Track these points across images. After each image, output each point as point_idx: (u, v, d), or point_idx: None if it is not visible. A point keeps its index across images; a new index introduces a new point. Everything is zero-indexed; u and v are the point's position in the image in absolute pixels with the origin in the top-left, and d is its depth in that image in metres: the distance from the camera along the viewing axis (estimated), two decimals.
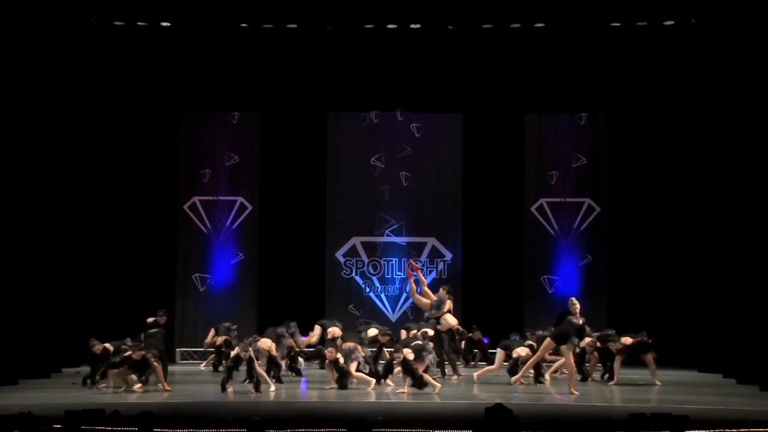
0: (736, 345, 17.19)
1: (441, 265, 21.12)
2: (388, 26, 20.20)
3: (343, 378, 15.04)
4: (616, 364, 16.26)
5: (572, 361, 15.00)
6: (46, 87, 17.85)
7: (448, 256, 21.19)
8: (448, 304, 16.63)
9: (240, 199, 21.27)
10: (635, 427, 10.16)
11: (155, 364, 14.86)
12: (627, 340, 16.13)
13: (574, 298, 15.32)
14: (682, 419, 10.08)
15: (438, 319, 16.52)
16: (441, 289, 16.98)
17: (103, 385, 15.19)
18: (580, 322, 15.03)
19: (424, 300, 16.86)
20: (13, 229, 16.89)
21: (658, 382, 16.04)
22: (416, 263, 17.83)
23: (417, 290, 17.04)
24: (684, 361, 18.96)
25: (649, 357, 16.15)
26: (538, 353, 15.56)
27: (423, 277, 17.30)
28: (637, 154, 20.73)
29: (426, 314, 17.08)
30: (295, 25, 20.16)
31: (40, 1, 17.28)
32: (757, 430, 10.57)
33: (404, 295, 20.76)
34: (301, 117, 21.20)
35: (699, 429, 10.37)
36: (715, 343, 18.20)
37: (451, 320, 16.53)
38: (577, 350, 16.01)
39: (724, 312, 17.87)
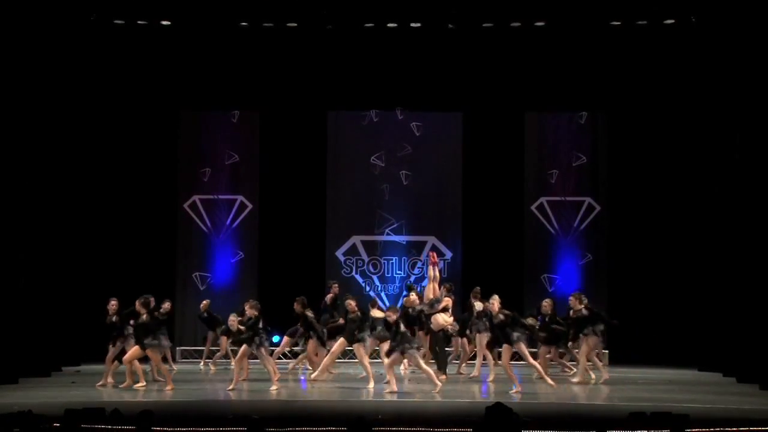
0: (736, 344, 17.20)
1: (441, 264, 21.04)
2: (388, 25, 20.19)
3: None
4: (582, 356, 16.09)
5: (530, 359, 15.20)
6: (47, 86, 17.85)
7: (449, 254, 21.19)
8: (444, 302, 16.63)
9: (240, 198, 21.26)
10: (636, 425, 10.17)
11: (156, 356, 15.02)
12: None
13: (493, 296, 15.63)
14: (683, 418, 10.08)
15: (429, 317, 16.52)
16: (442, 287, 16.99)
17: (100, 383, 15.23)
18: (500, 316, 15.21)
19: (431, 294, 16.91)
20: (14, 228, 16.89)
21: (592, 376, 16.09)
22: (436, 258, 17.84)
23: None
24: (684, 360, 18.97)
25: (587, 344, 15.91)
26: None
27: (437, 273, 17.31)
28: (638, 153, 20.73)
29: (418, 308, 17.09)
30: (295, 24, 20.15)
31: (40, 0, 17.26)
32: (758, 429, 10.58)
33: (404, 293, 20.66)
34: (301, 115, 21.19)
35: (699, 428, 10.36)
36: (715, 341, 18.21)
37: (441, 320, 16.50)
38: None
39: (724, 311, 17.87)
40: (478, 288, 17.26)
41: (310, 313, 16.76)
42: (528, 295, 20.76)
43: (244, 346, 15.05)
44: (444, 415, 12.22)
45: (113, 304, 16.05)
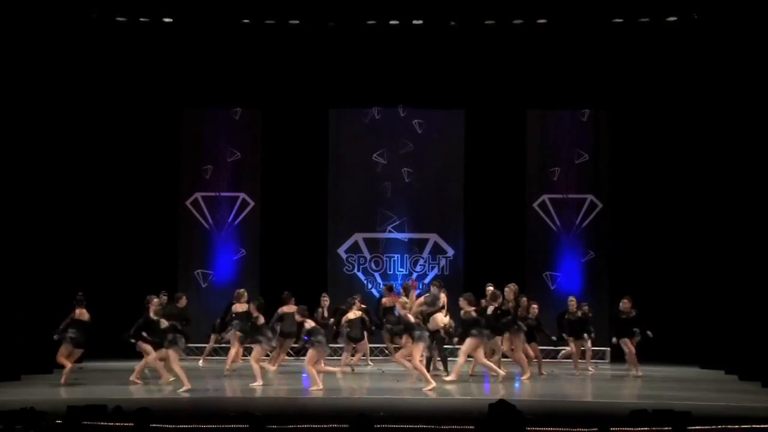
0: (738, 341, 17.21)
1: (443, 262, 21.11)
2: (390, 22, 20.18)
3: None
4: (462, 355, 16.18)
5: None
6: (49, 83, 17.87)
7: (450, 252, 21.18)
8: (443, 299, 16.65)
9: (242, 195, 21.25)
10: (638, 422, 10.18)
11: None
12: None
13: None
14: (684, 415, 10.10)
15: (428, 317, 16.51)
16: (432, 286, 17.00)
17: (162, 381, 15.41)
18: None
19: (415, 307, 16.86)
20: (15, 226, 16.91)
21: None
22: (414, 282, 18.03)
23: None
24: (686, 358, 18.95)
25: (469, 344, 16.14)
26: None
27: (413, 298, 17.30)
28: (639, 151, 20.70)
29: (416, 309, 17.06)
30: (297, 21, 20.15)
31: None
32: (759, 426, 10.57)
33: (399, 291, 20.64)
34: (303, 113, 21.17)
35: (701, 425, 10.36)
36: (717, 339, 18.21)
37: (440, 320, 16.51)
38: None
39: (726, 308, 17.88)
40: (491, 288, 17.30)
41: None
42: (530, 292, 20.69)
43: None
44: (446, 412, 12.23)
45: (156, 301, 16.08)
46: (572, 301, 17.97)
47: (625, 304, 17.36)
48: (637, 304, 17.58)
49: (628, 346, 17.12)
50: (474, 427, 9.28)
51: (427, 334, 15.51)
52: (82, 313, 15.67)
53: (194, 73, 20.60)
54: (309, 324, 15.26)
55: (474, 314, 15.91)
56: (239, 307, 17.41)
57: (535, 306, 17.42)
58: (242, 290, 17.95)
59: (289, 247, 20.90)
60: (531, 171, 21.24)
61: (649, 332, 17.22)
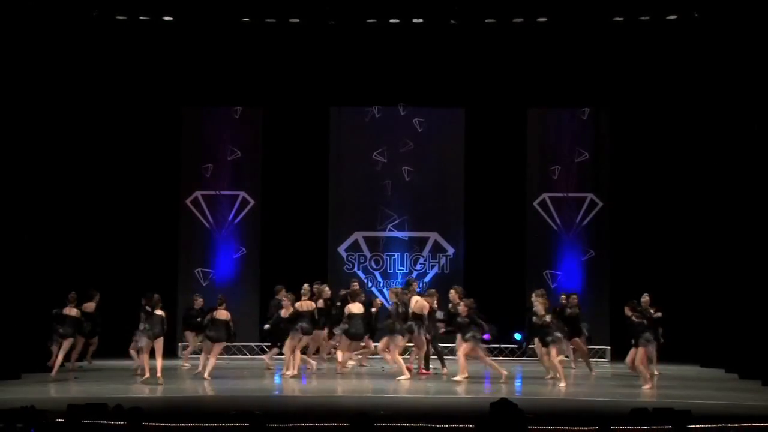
0: (738, 340, 17.21)
1: (443, 260, 21.10)
2: (391, 21, 20.18)
3: None
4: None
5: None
6: (49, 82, 17.87)
7: (451, 251, 21.17)
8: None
9: (242, 194, 21.24)
10: (638, 421, 10.18)
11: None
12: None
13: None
14: (685, 414, 10.11)
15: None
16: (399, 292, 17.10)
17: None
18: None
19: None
20: (15, 224, 16.91)
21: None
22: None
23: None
24: (686, 356, 18.96)
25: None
26: None
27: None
28: (640, 149, 20.71)
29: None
30: (298, 20, 20.15)
31: None
32: (760, 424, 10.57)
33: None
34: (304, 111, 21.17)
35: (701, 424, 10.36)
36: (717, 338, 18.21)
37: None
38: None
39: (726, 307, 17.88)
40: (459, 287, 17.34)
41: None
42: (530, 291, 20.68)
43: None
44: (446, 411, 12.23)
45: (200, 301, 17.54)
46: (564, 298, 17.84)
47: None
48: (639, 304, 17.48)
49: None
50: (474, 425, 9.27)
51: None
52: (69, 310, 16.27)
53: (194, 72, 20.60)
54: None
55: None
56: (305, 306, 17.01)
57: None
58: (306, 285, 17.63)
59: (289, 245, 20.89)
60: (531, 169, 21.25)
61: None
